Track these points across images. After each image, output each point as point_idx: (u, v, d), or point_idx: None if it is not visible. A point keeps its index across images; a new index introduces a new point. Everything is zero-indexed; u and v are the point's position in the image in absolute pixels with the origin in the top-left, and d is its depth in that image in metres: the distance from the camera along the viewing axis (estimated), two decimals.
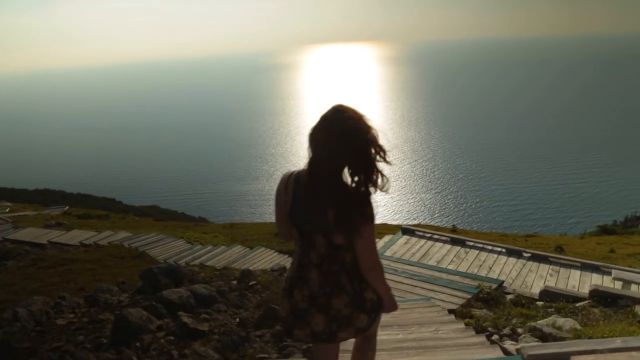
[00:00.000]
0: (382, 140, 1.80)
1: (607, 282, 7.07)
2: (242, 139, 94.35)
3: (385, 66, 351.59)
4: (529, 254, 8.04)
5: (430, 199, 58.30)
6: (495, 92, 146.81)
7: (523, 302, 6.36)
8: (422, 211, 54.79)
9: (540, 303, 6.31)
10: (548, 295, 6.33)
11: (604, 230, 17.11)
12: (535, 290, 6.83)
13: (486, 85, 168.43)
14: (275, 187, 1.97)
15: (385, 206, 56.33)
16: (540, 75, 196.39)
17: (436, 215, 52.91)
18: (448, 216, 52.31)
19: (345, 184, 1.75)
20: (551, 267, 7.62)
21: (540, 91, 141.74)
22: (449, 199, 57.27)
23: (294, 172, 1.91)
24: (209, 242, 15.00)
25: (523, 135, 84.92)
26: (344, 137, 1.70)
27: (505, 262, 7.80)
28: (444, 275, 6.97)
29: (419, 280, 6.67)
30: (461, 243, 8.55)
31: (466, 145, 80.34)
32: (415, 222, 50.81)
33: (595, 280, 7.16)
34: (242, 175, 70.57)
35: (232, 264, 10.97)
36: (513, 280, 7.16)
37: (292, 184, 1.85)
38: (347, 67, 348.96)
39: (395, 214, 53.36)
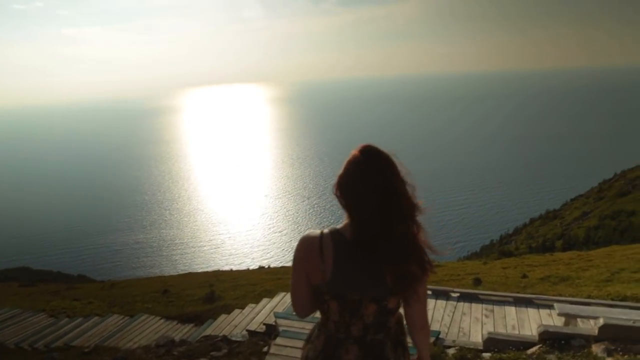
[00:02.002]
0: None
1: (545, 317, 6.32)
2: (125, 186, 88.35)
3: (272, 106, 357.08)
4: (457, 294, 7.12)
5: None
6: (381, 127, 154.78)
7: (469, 357, 5.33)
8: None
9: (487, 355, 5.32)
10: (494, 344, 5.35)
11: (503, 253, 17.32)
12: (476, 337, 5.84)
13: (374, 121, 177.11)
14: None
15: (264, 247, 55.14)
16: (422, 110, 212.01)
17: None
18: None
19: (403, 236, 1.51)
20: (484, 306, 6.73)
21: (426, 124, 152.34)
22: None
23: (323, 231, 1.60)
24: (79, 312, 12.46)
25: (407, 165, 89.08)
26: (388, 183, 1.50)
27: (435, 306, 6.79)
28: None
29: None
30: None
31: None
32: None
33: (533, 315, 6.38)
34: (126, 225, 65.46)
35: (105, 341, 8.83)
36: (448, 328, 6.12)
37: (330, 246, 1.55)
38: (229, 108, 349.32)
39: (282, 252, 52.15)
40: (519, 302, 6.76)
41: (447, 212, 62.92)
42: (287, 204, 72.66)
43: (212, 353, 6.37)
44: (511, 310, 6.57)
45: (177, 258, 53.83)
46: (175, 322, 9.52)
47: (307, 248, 1.60)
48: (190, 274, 26.17)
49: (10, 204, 77.74)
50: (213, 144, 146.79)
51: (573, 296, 7.47)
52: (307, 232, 1.64)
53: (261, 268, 27.01)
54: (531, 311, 6.50)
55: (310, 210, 68.28)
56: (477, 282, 10.09)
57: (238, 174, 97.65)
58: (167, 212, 72.72)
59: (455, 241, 53.36)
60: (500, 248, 38.28)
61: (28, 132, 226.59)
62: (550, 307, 6.55)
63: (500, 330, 6.01)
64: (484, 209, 64.70)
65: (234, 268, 33.23)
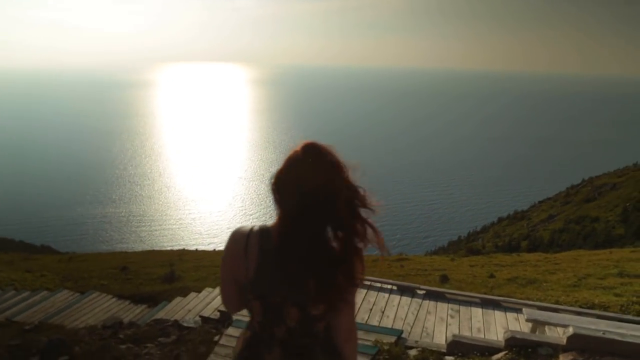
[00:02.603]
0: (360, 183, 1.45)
1: (512, 321, 6.09)
2: (96, 159, 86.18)
3: (251, 87, 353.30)
4: (424, 291, 6.84)
5: None
6: (360, 118, 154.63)
7: (430, 359, 5.05)
8: None
9: (450, 358, 5.05)
10: (458, 347, 5.08)
11: (471, 251, 17.26)
12: (440, 339, 5.56)
13: (353, 111, 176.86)
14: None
15: (234, 229, 54.41)
16: (403, 103, 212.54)
17: None
18: None
19: (330, 244, 1.42)
20: (450, 305, 6.47)
21: (406, 117, 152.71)
22: None
23: (253, 228, 1.52)
24: (29, 285, 11.82)
25: (383, 158, 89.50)
26: (326, 186, 1.38)
27: (399, 302, 6.49)
28: None
29: None
30: None
31: None
32: None
33: (500, 319, 6.14)
34: (95, 198, 63.97)
35: (51, 318, 8.29)
36: (412, 327, 5.83)
37: (256, 245, 1.48)
38: (209, 86, 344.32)
39: None
40: (486, 304, 6.52)
41: (419, 206, 63.53)
42: (261, 187, 72.01)
43: (160, 339, 5.94)
44: (478, 311, 6.32)
45: (144, 235, 52.90)
46: (128, 302, 9.03)
47: (234, 244, 1.52)
48: (153, 251, 25.50)
49: None
50: (189, 121, 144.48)
51: (541, 300, 7.28)
52: (237, 227, 1.55)
53: None
54: (498, 314, 6.27)
55: None
56: (444, 279, 9.88)
57: (213, 153, 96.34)
58: (138, 187, 71.43)
59: (425, 235, 53.96)
60: (467, 245, 38.72)
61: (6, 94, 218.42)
62: (518, 310, 6.33)
63: (466, 332, 5.75)
64: (455, 205, 65.47)
65: (201, 248, 32.63)
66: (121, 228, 54.56)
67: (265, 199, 66.37)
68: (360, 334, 5.28)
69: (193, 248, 31.21)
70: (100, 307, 8.64)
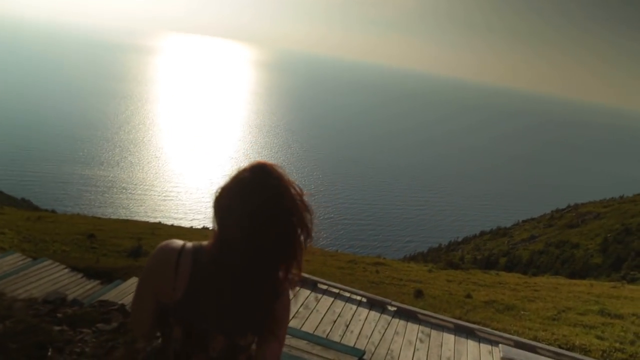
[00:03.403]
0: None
1: (485, 354, 5.60)
2: (88, 119, 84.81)
3: (253, 68, 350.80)
4: (395, 308, 6.33)
5: None
6: (359, 113, 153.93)
7: None
8: None
9: None
10: None
11: (450, 264, 16.87)
12: None
13: (351, 105, 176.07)
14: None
15: None
16: (409, 107, 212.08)
17: None
18: None
19: (267, 274, 1.34)
20: (421, 327, 5.96)
21: (404, 121, 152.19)
22: None
23: (185, 245, 1.39)
24: None
25: (375, 157, 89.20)
26: (272, 213, 1.29)
27: (366, 317, 5.97)
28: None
29: None
30: (312, 285, 6.55)
31: (322, 159, 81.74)
32: None
33: (473, 349, 5.65)
34: (83, 159, 62.93)
35: None
36: (376, 348, 5.31)
37: (188, 264, 1.35)
38: (207, 61, 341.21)
39: None
40: (459, 331, 6.02)
41: (406, 209, 63.36)
42: None
43: (99, 325, 5.35)
44: (450, 338, 5.82)
45: (124, 202, 52.05)
46: (80, 276, 8.40)
47: (162, 260, 1.37)
48: (128, 221, 24.80)
49: None
50: (187, 93, 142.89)
51: (518, 332, 6.81)
52: (166, 242, 1.39)
53: (205, 229, 25.90)
54: (471, 344, 5.78)
55: None
56: (419, 294, 9.40)
57: (207, 129, 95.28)
58: (127, 153, 70.39)
59: (407, 239, 53.78)
60: (447, 255, 38.52)
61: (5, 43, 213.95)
62: (493, 343, 5.85)
63: None
64: (441, 213, 65.38)
65: (177, 224, 31.94)
66: (104, 192, 53.69)
67: None
68: (318, 350, 4.76)
69: (170, 223, 30.52)
70: (49, 278, 8.01)
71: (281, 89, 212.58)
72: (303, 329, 5.37)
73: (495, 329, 6.55)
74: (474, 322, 6.76)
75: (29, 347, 4.68)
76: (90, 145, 69.72)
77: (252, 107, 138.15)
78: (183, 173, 64.72)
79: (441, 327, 6.03)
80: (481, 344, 5.79)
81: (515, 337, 5.90)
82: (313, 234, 1.37)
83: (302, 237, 1.35)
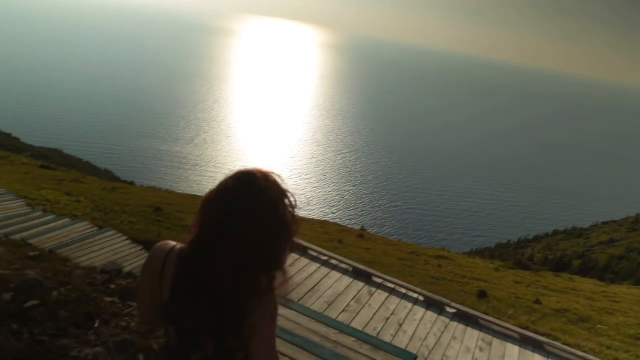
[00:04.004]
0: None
1: None
2: (168, 96, 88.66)
3: (323, 52, 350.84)
4: (454, 310, 5.86)
5: (348, 191, 57.35)
6: (431, 101, 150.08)
7: None
8: (336, 202, 53.58)
9: None
10: None
11: (519, 264, 15.86)
12: None
13: (423, 92, 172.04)
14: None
15: (298, 192, 54.28)
16: (483, 96, 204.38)
17: (351, 208, 51.87)
18: (362, 212, 51.39)
19: (245, 277, 1.31)
20: (482, 334, 5.46)
21: (477, 110, 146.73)
22: (365, 195, 56.63)
23: (174, 247, 1.42)
24: (59, 209, 11.74)
25: (444, 146, 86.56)
26: (256, 221, 1.28)
27: (422, 318, 5.55)
28: (330, 334, 4.56)
29: (288, 342, 4.22)
30: (366, 278, 6.21)
31: (391, 145, 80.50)
32: (327, 211, 49.37)
33: None
34: (162, 134, 66.04)
35: (61, 248, 7.98)
36: (430, 353, 4.91)
37: (173, 266, 1.38)
38: (283, 44, 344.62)
39: (306, 200, 51.54)
40: (525, 342, 5.47)
41: (475, 202, 61.17)
42: (321, 153, 71.56)
43: None
44: (514, 350, 5.29)
45: (196, 178, 53.96)
46: (140, 248, 8.59)
47: (152, 262, 1.42)
48: (196, 197, 25.44)
49: (60, 89, 79.05)
50: (262, 75, 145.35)
51: (594, 351, 6.12)
52: (159, 244, 1.44)
53: None
54: (538, 358, 5.22)
55: (341, 165, 67.20)
56: (482, 295, 8.78)
57: (278, 111, 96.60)
58: (201, 131, 72.90)
59: (475, 233, 51.90)
60: (515, 253, 36.75)
61: (85, 25, 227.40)
62: (563, 359, 5.26)
63: None
64: (512, 208, 62.51)
65: None
66: (178, 167, 56.03)
67: (321, 164, 66.10)
68: (366, 349, 4.43)
69: None
70: (110, 248, 8.25)
71: (351, 73, 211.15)
72: (352, 324, 5.07)
73: (568, 344, 5.92)
74: (542, 334, 6.15)
75: (79, 316, 4.71)
76: (168, 122, 72.87)
77: (322, 90, 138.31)
78: (253, 153, 66.12)
79: (505, 337, 5.50)
80: None
81: (591, 358, 5.26)
82: (294, 247, 1.35)
83: (285, 250, 1.33)
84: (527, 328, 6.33)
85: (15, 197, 11.83)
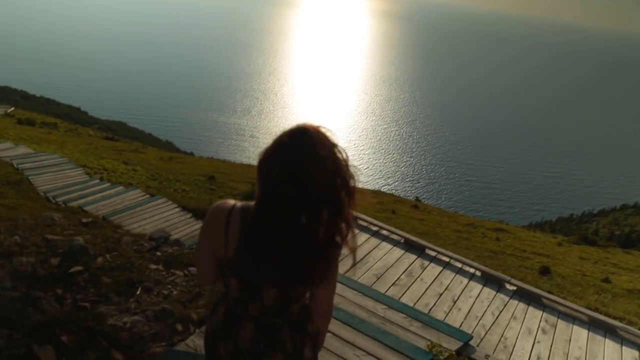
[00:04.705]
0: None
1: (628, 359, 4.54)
2: (224, 68, 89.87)
3: (378, 19, 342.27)
4: (514, 287, 5.41)
5: (404, 162, 56.40)
6: (489, 67, 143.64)
7: None
8: (392, 173, 52.86)
9: None
10: None
11: (584, 239, 14.86)
12: (522, 359, 4.24)
13: (482, 59, 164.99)
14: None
15: (354, 162, 53.74)
16: (541, 60, 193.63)
17: (407, 179, 51.04)
18: (417, 182, 50.46)
19: (309, 232, 1.37)
20: (545, 314, 5.00)
21: (539, 76, 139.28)
22: (422, 166, 55.52)
23: (235, 205, 1.47)
24: (116, 177, 12.03)
25: (506, 114, 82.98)
26: (313, 175, 1.32)
27: (479, 295, 5.15)
28: (378, 309, 4.28)
29: (337, 319, 3.97)
30: (419, 250, 5.84)
31: (449, 114, 78.09)
32: (382, 182, 48.79)
33: (612, 352, 4.60)
34: (219, 105, 67.29)
35: (114, 215, 8.11)
36: (486, 333, 4.53)
37: (237, 223, 1.42)
38: (344, 14, 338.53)
39: (362, 170, 51.08)
40: (595, 325, 4.96)
41: (538, 175, 58.53)
42: (376, 123, 70.52)
43: (192, 269, 5.25)
44: (582, 333, 4.81)
45: (252, 148, 54.63)
46: (189, 215, 8.61)
47: (214, 219, 1.46)
48: (249, 166, 25.65)
49: (123, 63, 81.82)
50: (317, 45, 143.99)
51: None
52: (219, 202, 1.48)
53: None
54: (610, 344, 4.72)
55: (397, 135, 66.02)
56: (545, 271, 8.18)
57: (334, 81, 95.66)
58: (257, 102, 73.56)
59: (535, 206, 49.82)
60: (579, 228, 34.90)
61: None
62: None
63: None
64: (575, 181, 59.30)
65: None
66: (233, 139, 56.99)
67: (377, 135, 65.16)
68: (416, 327, 4.12)
69: None
70: (161, 215, 8.30)
71: (410, 40, 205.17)
72: (402, 299, 4.75)
73: None
74: (614, 317, 5.60)
75: (121, 283, 4.67)
76: (226, 93, 73.97)
77: (378, 59, 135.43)
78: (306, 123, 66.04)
79: (571, 318, 5.01)
80: (624, 347, 4.70)
81: None
82: (355, 199, 1.39)
83: (346, 200, 1.37)
84: (596, 310, 5.79)
85: (75, 165, 12.24)
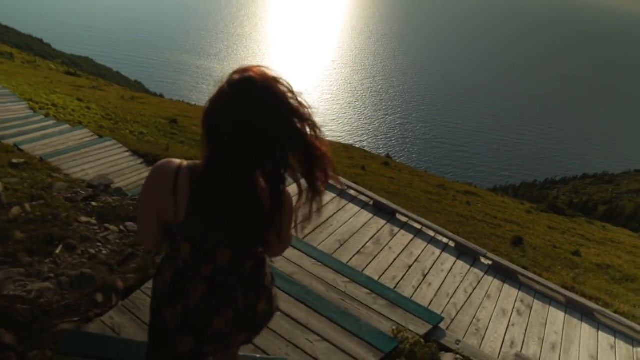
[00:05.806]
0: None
1: (604, 347, 4.17)
2: (199, 7, 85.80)
3: None
4: (490, 262, 4.94)
5: (378, 118, 55.80)
6: (471, 30, 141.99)
7: None
8: (364, 128, 52.31)
9: None
10: None
11: (552, 208, 14.76)
12: (494, 346, 3.80)
13: (465, 20, 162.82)
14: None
15: (327, 115, 52.92)
16: (529, 28, 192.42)
17: (379, 137, 50.64)
18: (390, 140, 50.12)
19: (263, 188, 1.30)
20: (520, 294, 4.58)
21: (520, 42, 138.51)
22: (395, 123, 55.07)
23: (181, 164, 1.35)
24: (64, 115, 10.97)
25: (483, 79, 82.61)
26: (262, 129, 1.19)
27: (451, 268, 4.66)
28: (339, 282, 3.74)
29: (285, 293, 3.41)
30: (389, 215, 5.29)
31: (427, 74, 77.20)
32: (355, 138, 48.24)
33: (588, 338, 4.23)
34: (193, 48, 64.53)
35: (52, 157, 7.25)
36: (457, 314, 4.06)
37: (187, 185, 1.31)
38: None
39: (335, 124, 50.37)
40: (572, 308, 4.57)
41: (506, 141, 59.07)
42: (352, 76, 69.12)
43: (128, 224, 4.56)
44: (558, 316, 4.41)
45: None
46: (140, 161, 7.82)
47: (159, 181, 1.33)
48: None
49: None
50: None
51: None
52: (163, 162, 1.35)
53: None
54: (586, 329, 4.34)
55: (372, 90, 65.03)
56: (517, 242, 7.84)
57: (314, 32, 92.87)
58: (236, 46, 70.98)
59: (502, 171, 50.44)
60: (541, 194, 35.43)
61: None
62: (618, 333, 4.38)
63: (534, 347, 3.93)
64: (542, 148, 60.15)
65: None
66: (208, 83, 55.05)
67: (354, 88, 64.03)
68: (380, 304, 3.61)
69: None
70: (107, 159, 7.48)
71: None
72: (367, 271, 4.22)
73: (621, 313, 5.01)
74: (589, 297, 5.24)
75: (37, 239, 3.94)
76: (201, 36, 70.93)
77: (361, 12, 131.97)
78: (285, 72, 64.32)
79: (548, 299, 4.60)
80: (600, 332, 4.33)
81: None
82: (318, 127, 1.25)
83: (309, 131, 1.24)
84: (572, 288, 5.43)
85: (19, 99, 11.11)
